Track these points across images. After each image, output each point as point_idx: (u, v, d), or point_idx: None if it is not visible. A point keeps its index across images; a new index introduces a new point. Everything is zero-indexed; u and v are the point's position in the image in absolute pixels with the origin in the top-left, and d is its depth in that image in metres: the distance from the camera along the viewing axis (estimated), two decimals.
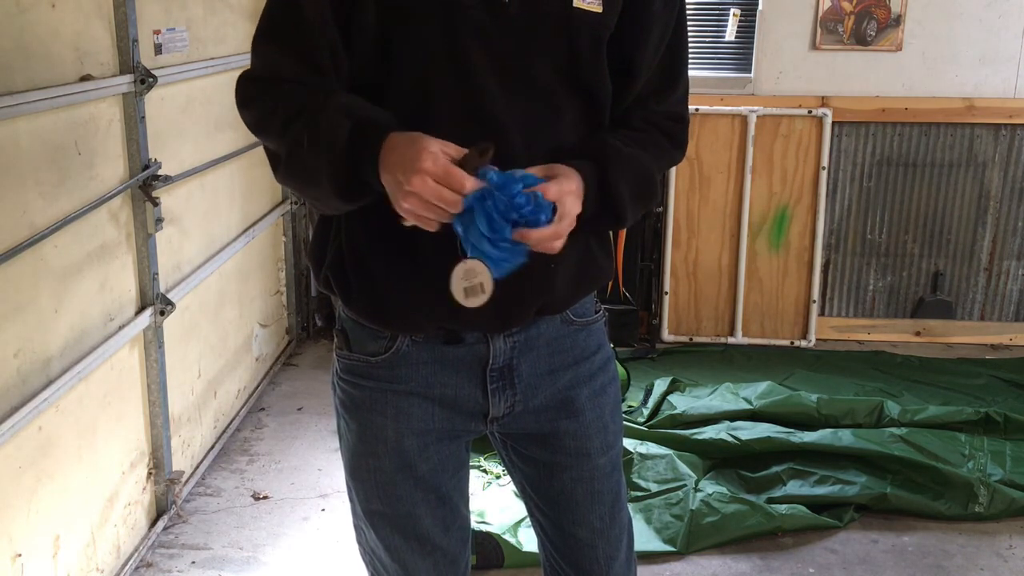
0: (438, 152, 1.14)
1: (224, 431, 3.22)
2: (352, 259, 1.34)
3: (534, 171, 1.20)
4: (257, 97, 1.30)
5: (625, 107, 1.37)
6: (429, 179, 1.12)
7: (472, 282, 1.18)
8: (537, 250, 1.17)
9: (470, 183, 1.13)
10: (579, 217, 1.23)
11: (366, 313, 1.36)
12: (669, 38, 1.37)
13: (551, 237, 1.17)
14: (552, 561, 1.56)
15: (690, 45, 1.44)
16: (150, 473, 2.66)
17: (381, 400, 1.39)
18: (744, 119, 3.91)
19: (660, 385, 3.42)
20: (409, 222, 1.18)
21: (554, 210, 1.17)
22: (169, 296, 2.63)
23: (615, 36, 1.32)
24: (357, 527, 1.51)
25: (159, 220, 2.53)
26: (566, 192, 1.20)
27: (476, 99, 1.26)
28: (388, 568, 1.49)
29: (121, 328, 2.42)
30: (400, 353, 1.37)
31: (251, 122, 1.31)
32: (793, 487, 2.85)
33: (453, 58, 1.25)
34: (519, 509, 2.73)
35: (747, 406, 3.21)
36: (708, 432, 3.05)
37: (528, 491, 1.53)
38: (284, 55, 1.28)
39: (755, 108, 3.89)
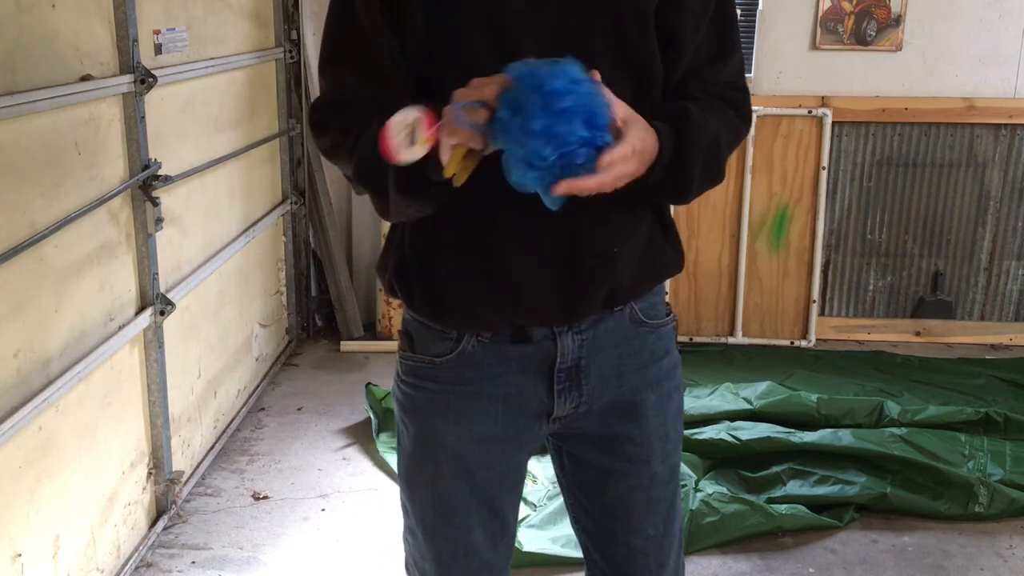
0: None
1: (224, 431, 3.22)
2: (415, 263, 1.33)
3: (618, 106, 1.10)
4: (329, 122, 1.30)
5: (677, 82, 1.33)
6: (459, 98, 1.11)
7: (407, 132, 1.11)
8: (585, 183, 1.09)
9: (498, 77, 1.09)
10: (640, 182, 1.18)
11: (431, 314, 1.35)
12: (714, 7, 1.32)
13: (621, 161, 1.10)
14: (598, 569, 1.53)
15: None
16: (150, 473, 2.66)
17: (443, 403, 1.36)
18: None
19: None
20: (456, 178, 1.11)
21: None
22: (169, 296, 2.63)
23: (657, 8, 1.28)
24: (405, 539, 1.49)
25: (159, 220, 2.53)
26: (631, 151, 1.13)
27: None
28: None
29: (121, 328, 2.42)
30: (465, 354, 1.34)
31: (325, 148, 1.32)
32: (793, 487, 2.85)
33: (498, 48, 1.24)
34: (520, 510, 2.73)
35: (747, 406, 3.20)
36: (708, 432, 3.05)
37: (579, 497, 1.49)
38: (350, 71, 1.29)
39: (755, 108, 3.89)
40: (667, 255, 1.39)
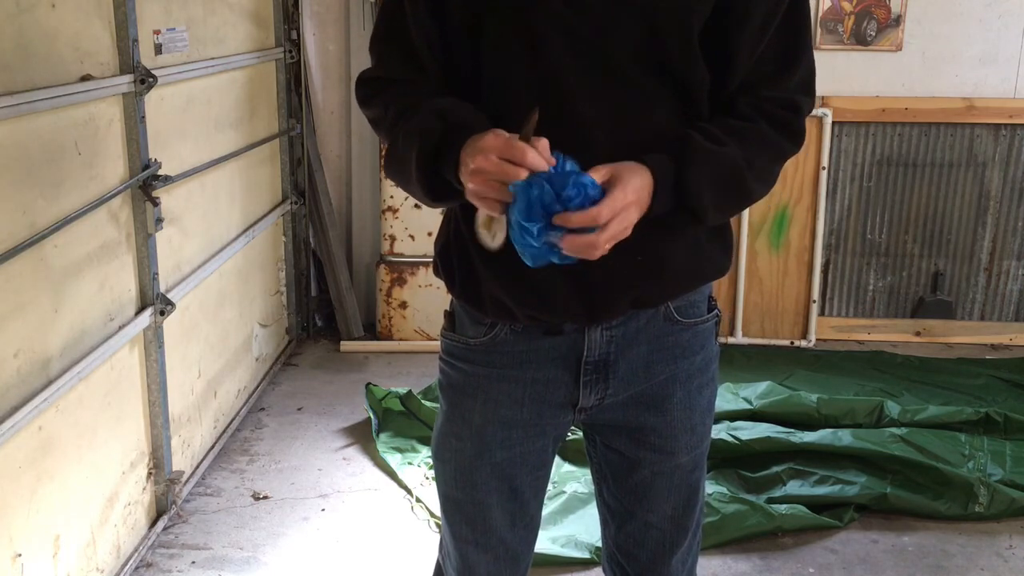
0: (501, 132, 1.16)
1: (224, 431, 3.22)
2: (457, 248, 1.38)
3: (596, 174, 1.16)
4: (373, 97, 1.38)
5: (731, 93, 1.30)
6: (492, 155, 1.14)
7: (492, 230, 1.23)
8: (572, 254, 1.15)
9: (531, 152, 1.12)
10: (647, 215, 1.20)
11: (466, 299, 1.39)
12: (782, 17, 1.28)
13: (586, 244, 1.14)
14: (614, 543, 1.58)
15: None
16: (150, 473, 2.66)
17: (473, 384, 1.41)
18: None
19: None
20: (493, 243, 1.22)
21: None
22: (169, 296, 2.63)
23: (712, 20, 1.25)
24: (441, 516, 1.55)
25: (159, 220, 2.53)
26: (620, 206, 1.16)
27: (553, 93, 1.25)
28: (450, 555, 1.52)
29: (121, 328, 2.42)
30: (498, 340, 1.38)
31: (370, 119, 1.41)
32: (793, 487, 2.85)
33: (531, 51, 1.25)
34: None
35: (747, 406, 3.20)
36: None
37: (606, 473, 1.53)
38: (391, 54, 1.37)
39: None
40: (713, 258, 1.39)
